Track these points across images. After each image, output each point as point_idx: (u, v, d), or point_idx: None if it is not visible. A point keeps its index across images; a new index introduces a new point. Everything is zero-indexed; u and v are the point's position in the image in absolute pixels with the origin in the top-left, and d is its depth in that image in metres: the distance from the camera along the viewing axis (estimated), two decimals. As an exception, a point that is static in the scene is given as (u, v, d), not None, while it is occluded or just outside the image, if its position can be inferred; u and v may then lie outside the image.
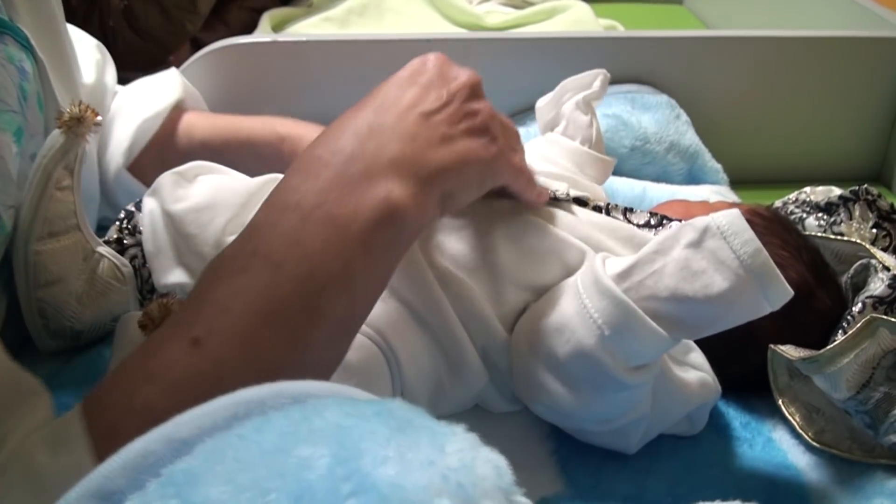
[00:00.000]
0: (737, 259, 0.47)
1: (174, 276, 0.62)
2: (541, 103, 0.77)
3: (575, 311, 0.52)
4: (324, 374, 0.46)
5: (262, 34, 1.23)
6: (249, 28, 1.32)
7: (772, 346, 0.60)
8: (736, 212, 0.49)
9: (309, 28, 1.36)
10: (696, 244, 0.49)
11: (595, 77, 0.74)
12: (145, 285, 0.63)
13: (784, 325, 0.59)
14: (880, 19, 1.10)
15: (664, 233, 0.51)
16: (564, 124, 0.75)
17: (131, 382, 0.41)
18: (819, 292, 0.63)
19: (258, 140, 0.72)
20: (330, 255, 0.44)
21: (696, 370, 0.58)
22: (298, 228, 0.44)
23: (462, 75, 0.53)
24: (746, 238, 0.48)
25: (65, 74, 0.66)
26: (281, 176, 0.65)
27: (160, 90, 0.77)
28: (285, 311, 0.43)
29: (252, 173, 0.66)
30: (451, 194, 0.50)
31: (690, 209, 0.68)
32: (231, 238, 0.62)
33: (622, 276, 0.51)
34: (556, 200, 0.63)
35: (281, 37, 1.02)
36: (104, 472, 0.30)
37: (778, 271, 0.48)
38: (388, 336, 0.54)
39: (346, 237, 0.45)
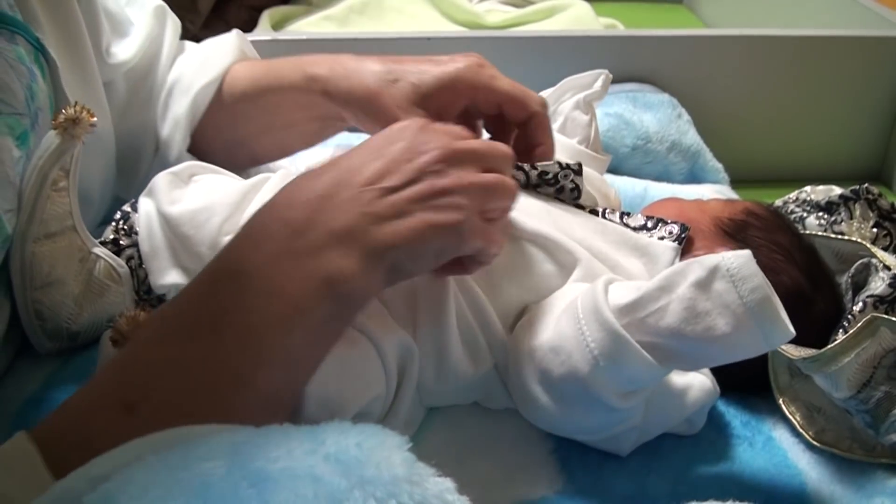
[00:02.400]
0: (743, 306, 0.47)
1: (170, 277, 0.62)
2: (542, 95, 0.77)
3: (572, 334, 0.52)
4: None
5: (262, 32, 1.23)
6: (249, 26, 1.32)
7: None
8: (748, 254, 0.48)
9: (309, 26, 1.36)
10: (703, 285, 0.48)
11: (597, 77, 0.74)
12: (142, 286, 0.63)
13: None
14: (881, 18, 1.10)
15: (671, 268, 0.50)
16: (562, 121, 0.75)
17: (66, 447, 0.40)
18: (814, 296, 0.62)
19: (291, 86, 0.70)
20: (270, 330, 0.44)
21: (695, 372, 0.57)
22: (239, 299, 0.44)
23: (433, 148, 0.50)
24: (755, 285, 0.47)
25: (81, 72, 0.65)
26: (271, 175, 0.66)
27: (216, 55, 0.75)
28: (220, 383, 0.43)
29: (290, 120, 0.69)
30: (401, 268, 0.49)
31: (684, 208, 0.68)
32: (227, 238, 0.62)
33: (624, 310, 0.51)
34: (559, 197, 0.63)
35: (281, 35, 1.02)
36: None
37: (783, 316, 0.47)
38: (375, 330, 0.54)
39: (287, 313, 0.44)
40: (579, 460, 0.57)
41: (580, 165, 0.64)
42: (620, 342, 0.50)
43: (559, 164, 0.63)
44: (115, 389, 0.42)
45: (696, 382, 0.57)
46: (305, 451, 0.34)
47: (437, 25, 1.43)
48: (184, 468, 0.34)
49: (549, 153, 0.66)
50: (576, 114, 0.73)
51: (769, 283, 0.48)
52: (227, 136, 0.74)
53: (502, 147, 0.55)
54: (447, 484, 0.35)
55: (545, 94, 0.76)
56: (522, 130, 0.66)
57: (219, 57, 0.74)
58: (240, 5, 1.35)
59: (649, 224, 0.63)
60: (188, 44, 0.80)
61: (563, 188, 0.64)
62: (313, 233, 0.46)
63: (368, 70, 0.66)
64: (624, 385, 0.51)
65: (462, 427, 0.58)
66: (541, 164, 0.63)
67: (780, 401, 0.61)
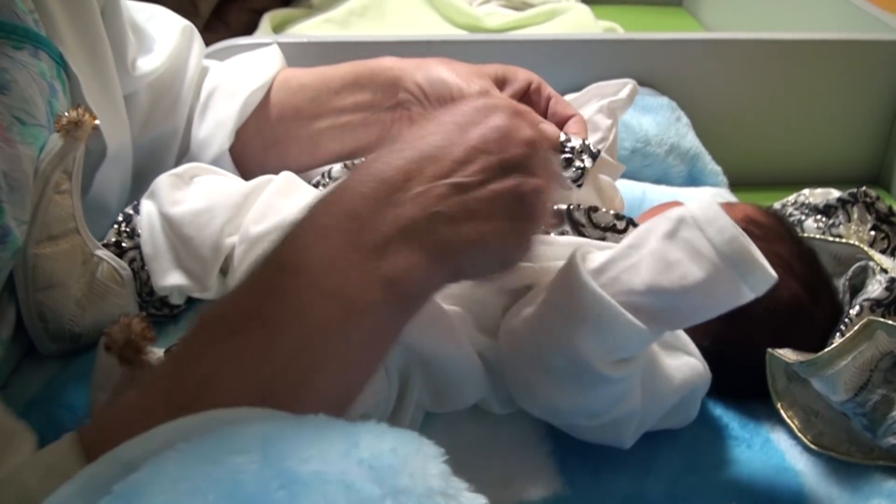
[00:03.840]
0: (712, 248, 0.46)
1: (172, 278, 0.62)
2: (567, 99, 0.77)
3: (556, 304, 0.52)
4: None
5: (263, 35, 1.23)
6: (250, 29, 1.32)
7: (769, 349, 0.60)
8: (710, 200, 0.48)
9: (309, 29, 1.36)
10: (671, 235, 0.48)
11: (623, 86, 0.74)
12: (144, 288, 0.64)
13: (779, 338, 0.60)
14: (879, 22, 1.11)
15: (640, 226, 0.50)
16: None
17: (113, 437, 0.38)
18: (813, 309, 0.62)
19: (352, 77, 0.73)
20: (331, 331, 0.42)
21: (686, 355, 0.57)
22: (300, 297, 0.42)
23: (521, 143, 0.46)
24: (721, 225, 0.47)
25: (102, 87, 0.66)
26: (273, 177, 0.66)
27: (262, 64, 0.78)
28: (276, 383, 0.41)
29: (344, 106, 0.72)
30: (465, 272, 0.47)
31: None
32: (230, 240, 0.62)
33: (598, 271, 0.50)
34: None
35: (281, 38, 1.02)
36: (60, 498, 0.33)
37: (759, 256, 0.46)
38: None
39: (349, 314, 0.42)
40: (578, 462, 0.57)
41: (598, 153, 0.64)
42: (601, 304, 0.49)
43: (584, 141, 0.64)
44: (167, 392, 0.41)
45: (689, 363, 0.57)
46: (339, 454, 0.33)
47: (437, 29, 1.43)
48: (214, 461, 0.33)
49: (582, 122, 0.67)
50: (598, 117, 0.73)
51: (737, 225, 0.47)
52: (267, 134, 0.76)
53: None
54: (481, 500, 0.33)
55: (569, 97, 0.76)
56: (543, 113, 0.68)
57: (267, 64, 0.77)
58: (240, 8, 1.36)
59: (619, 226, 0.62)
60: (214, 61, 0.83)
61: (572, 166, 0.63)
62: (379, 228, 0.43)
63: (432, 59, 0.70)
64: (612, 351, 0.50)
65: (460, 429, 0.59)
66: (573, 136, 0.65)
67: (778, 405, 0.61)
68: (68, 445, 0.39)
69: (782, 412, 0.61)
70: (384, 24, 1.43)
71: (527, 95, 0.70)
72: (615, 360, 0.51)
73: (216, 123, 0.76)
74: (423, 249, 0.44)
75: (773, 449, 0.60)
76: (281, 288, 0.42)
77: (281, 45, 0.97)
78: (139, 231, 0.64)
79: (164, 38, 0.76)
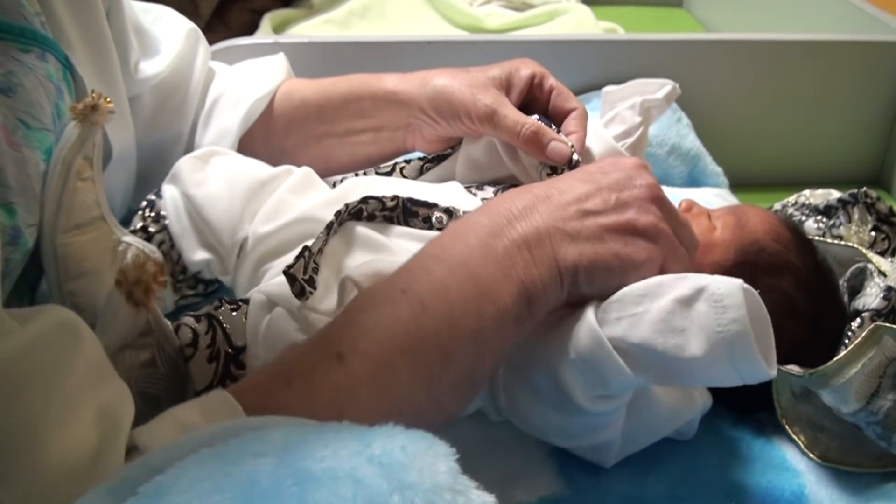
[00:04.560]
0: (718, 334, 0.45)
1: (201, 253, 0.63)
2: (608, 89, 0.76)
3: (552, 324, 0.52)
4: (442, 416, 0.48)
5: (264, 36, 1.23)
6: (250, 30, 1.32)
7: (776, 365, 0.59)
8: (738, 283, 0.46)
9: (310, 30, 1.37)
10: (686, 302, 0.47)
11: (663, 86, 0.73)
12: (176, 267, 0.65)
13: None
14: (879, 23, 1.11)
15: (659, 277, 0.49)
16: (612, 115, 0.74)
17: (271, 386, 0.45)
18: (816, 341, 0.62)
19: (353, 97, 0.74)
20: (469, 310, 0.47)
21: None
22: (445, 279, 0.48)
23: (642, 185, 0.53)
24: (736, 317, 0.45)
25: (107, 89, 0.66)
26: (294, 169, 0.68)
27: (267, 72, 0.78)
28: (423, 348, 0.46)
29: (352, 129, 0.72)
30: (580, 289, 0.51)
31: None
32: (244, 228, 0.63)
33: (603, 308, 0.50)
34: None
35: (282, 38, 1.02)
36: (92, 499, 0.34)
37: (758, 358, 0.45)
38: None
39: (484, 299, 0.48)
40: (578, 463, 0.57)
41: (578, 163, 0.64)
42: (594, 339, 0.49)
43: (574, 157, 0.64)
44: (328, 342, 0.46)
45: (687, 395, 0.56)
46: (351, 452, 0.35)
47: (437, 29, 1.43)
48: (234, 463, 0.35)
49: (579, 142, 0.67)
50: (628, 112, 0.73)
51: (746, 319, 0.45)
52: (275, 145, 0.77)
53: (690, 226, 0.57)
54: (489, 498, 0.34)
55: (609, 90, 0.76)
56: (558, 122, 0.69)
57: (271, 73, 0.78)
58: (241, 8, 1.36)
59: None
60: (221, 64, 0.83)
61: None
62: (508, 235, 0.50)
63: (435, 72, 0.70)
64: (594, 387, 0.50)
65: (460, 430, 0.59)
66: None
67: (784, 421, 0.61)
68: (221, 394, 0.43)
69: (788, 429, 0.61)
70: (384, 24, 1.43)
71: (530, 91, 0.69)
72: (597, 396, 0.51)
73: (220, 132, 0.76)
74: (545, 260, 0.50)
75: (774, 449, 0.60)
76: (428, 269, 0.49)
77: (281, 45, 0.97)
78: (164, 214, 0.65)
79: (170, 41, 0.76)
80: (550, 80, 0.69)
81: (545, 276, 0.49)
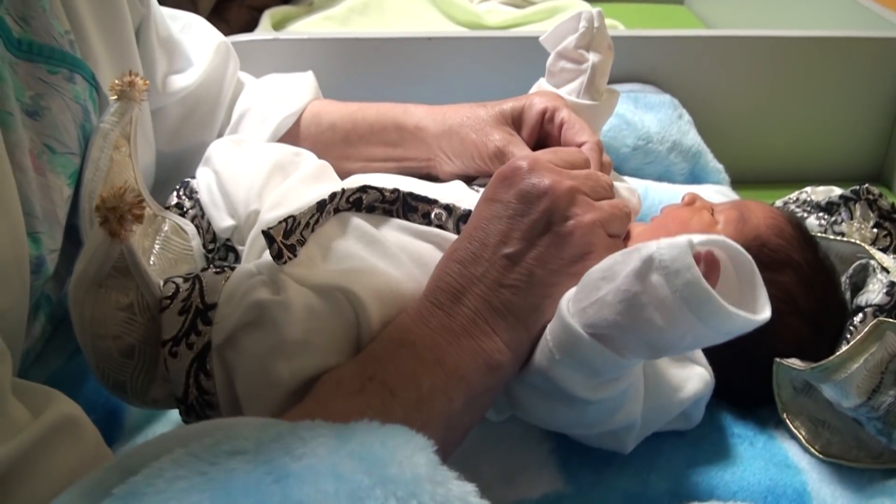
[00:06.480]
0: (676, 299, 0.44)
1: (229, 220, 0.65)
2: (543, 39, 0.77)
3: None
4: None
5: (263, 32, 1.23)
6: (250, 27, 1.32)
7: (777, 359, 0.59)
8: (684, 243, 0.44)
9: (310, 27, 1.36)
10: (640, 275, 0.45)
11: (578, 19, 0.72)
12: (206, 236, 0.66)
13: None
14: (881, 19, 1.11)
15: (616, 254, 0.48)
16: (547, 75, 0.73)
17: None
18: (817, 339, 0.61)
19: (380, 127, 0.74)
20: (437, 393, 0.48)
21: (693, 363, 0.57)
22: (412, 365, 0.48)
23: (543, 193, 0.52)
24: (689, 278, 0.43)
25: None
26: (306, 154, 0.69)
27: (296, 89, 0.80)
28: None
29: (376, 156, 0.74)
30: (545, 317, 0.52)
31: (688, 222, 0.66)
32: (255, 207, 0.64)
33: (567, 299, 0.50)
34: None
35: (282, 35, 1.02)
36: (66, 501, 0.35)
37: (728, 310, 0.43)
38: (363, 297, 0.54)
39: (452, 381, 0.48)
40: (580, 460, 0.57)
41: None
42: (569, 331, 0.48)
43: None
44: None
45: (696, 373, 0.56)
46: (329, 449, 0.35)
47: (437, 26, 1.43)
48: (210, 462, 0.35)
49: (595, 150, 0.66)
50: (559, 64, 0.72)
51: (696, 267, 0.43)
52: None
53: (603, 176, 0.56)
54: (469, 487, 0.34)
55: (543, 40, 0.76)
56: (556, 141, 0.68)
57: (300, 91, 0.79)
58: (241, 6, 1.35)
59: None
60: (248, 76, 0.84)
61: None
62: (467, 312, 0.51)
63: (454, 109, 0.71)
64: (589, 377, 0.49)
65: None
66: None
67: (785, 416, 0.61)
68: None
69: (789, 423, 0.61)
70: (384, 21, 1.43)
71: (542, 126, 0.68)
72: (597, 384, 0.50)
73: None
74: (502, 322, 0.51)
75: (776, 447, 0.59)
76: (394, 358, 0.49)
77: (281, 42, 0.96)
78: (196, 190, 0.68)
79: (199, 55, 0.78)
80: (562, 114, 0.67)
81: (506, 340, 0.50)
